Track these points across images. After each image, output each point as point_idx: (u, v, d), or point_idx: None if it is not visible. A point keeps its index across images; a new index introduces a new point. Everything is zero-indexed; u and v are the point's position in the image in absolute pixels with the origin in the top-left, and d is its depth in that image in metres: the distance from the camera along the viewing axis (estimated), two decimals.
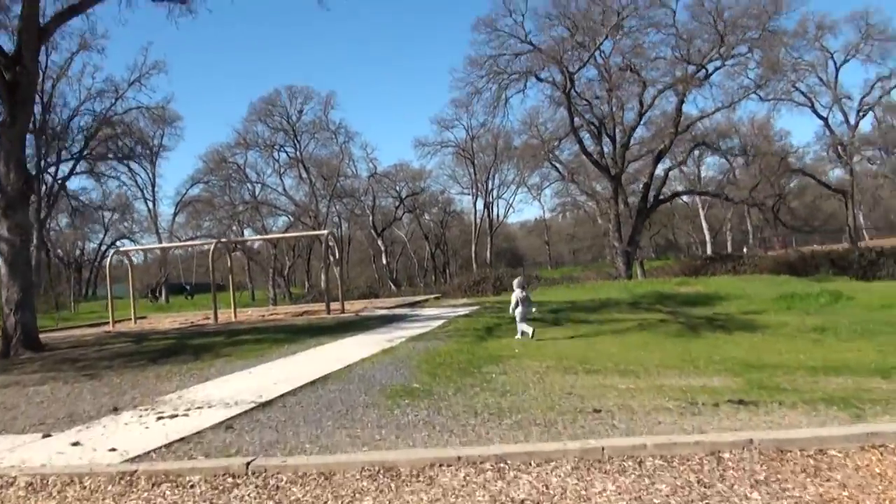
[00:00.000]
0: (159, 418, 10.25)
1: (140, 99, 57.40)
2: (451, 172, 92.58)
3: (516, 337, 18.09)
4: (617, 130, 48.50)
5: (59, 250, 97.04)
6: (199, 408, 10.82)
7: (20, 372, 17.14)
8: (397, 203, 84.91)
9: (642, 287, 36.37)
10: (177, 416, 10.34)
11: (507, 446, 7.66)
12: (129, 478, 7.49)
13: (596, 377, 12.37)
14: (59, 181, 51.74)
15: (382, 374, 13.15)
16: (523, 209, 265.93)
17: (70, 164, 52.21)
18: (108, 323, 34.63)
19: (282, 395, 11.41)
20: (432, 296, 38.62)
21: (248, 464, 7.48)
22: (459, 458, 7.26)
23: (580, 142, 45.71)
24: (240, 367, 15.16)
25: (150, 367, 16.16)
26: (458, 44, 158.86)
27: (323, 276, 76.64)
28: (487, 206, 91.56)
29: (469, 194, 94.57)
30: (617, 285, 38.83)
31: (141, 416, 10.49)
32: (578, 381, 11.99)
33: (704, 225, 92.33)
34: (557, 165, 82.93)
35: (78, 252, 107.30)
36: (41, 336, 27.00)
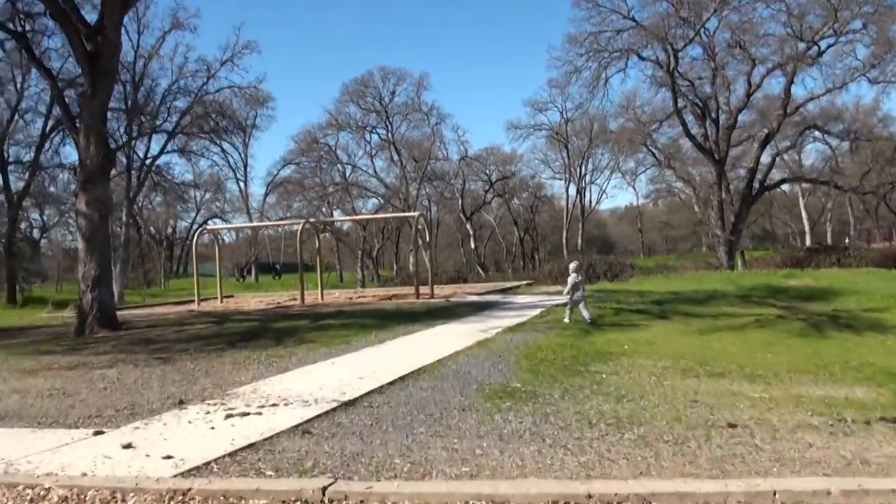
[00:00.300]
0: (228, 416, 8.90)
1: (232, 78, 56.96)
2: (543, 156, 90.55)
3: (564, 319, 18.11)
4: (721, 112, 45.94)
5: (151, 228, 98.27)
6: (273, 405, 9.45)
7: (91, 352, 16.18)
8: (487, 187, 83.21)
9: (748, 279, 34.14)
10: (248, 413, 8.99)
11: (652, 482, 6.01)
12: (179, 498, 6.10)
13: (721, 382, 10.76)
14: (150, 159, 51.29)
15: (479, 371, 11.65)
16: (616, 195, 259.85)
17: (161, 142, 51.73)
18: (194, 301, 33.95)
19: (368, 393, 9.98)
20: (524, 282, 36.97)
21: (324, 489, 5.99)
22: (590, 495, 5.64)
23: (684, 124, 43.25)
24: (323, 355, 13.82)
25: (228, 353, 14.95)
26: (552, 24, 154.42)
27: (411, 259, 75.81)
28: (580, 191, 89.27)
29: (561, 179, 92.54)
30: (720, 276, 36.63)
31: (208, 413, 9.17)
32: (702, 387, 10.39)
33: (804, 214, 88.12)
34: (654, 150, 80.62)
35: (170, 230, 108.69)
36: (125, 313, 26.35)
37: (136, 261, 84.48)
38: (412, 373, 11.41)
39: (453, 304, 24.11)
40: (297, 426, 8.28)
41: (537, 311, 20.56)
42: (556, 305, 21.89)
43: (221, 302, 34.92)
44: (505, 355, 13.14)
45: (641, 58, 44.46)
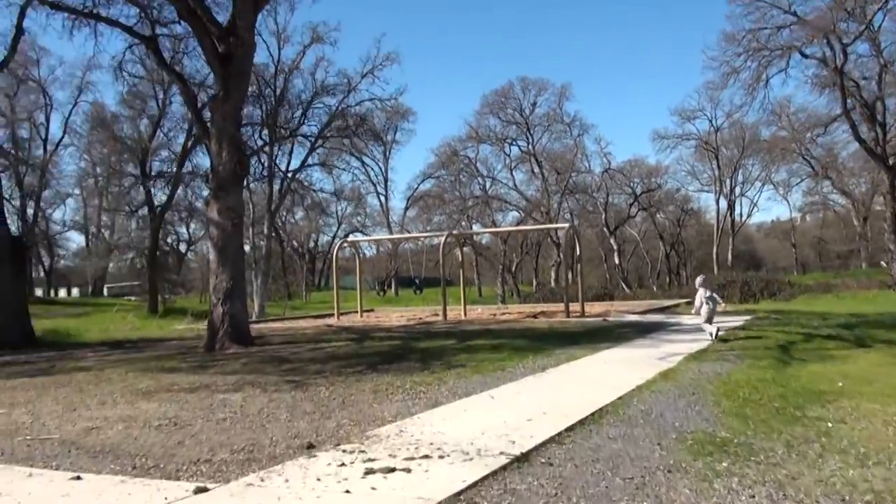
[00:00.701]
0: (368, 472, 6.78)
1: (373, 91, 55.70)
2: (690, 168, 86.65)
3: (712, 339, 16.99)
4: (888, 114, 41.76)
5: (294, 241, 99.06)
6: (425, 455, 7.30)
7: (217, 370, 14.56)
8: (631, 200, 79.97)
9: None
10: (394, 469, 6.85)
11: None
12: None
13: None
14: (291, 172, 50.68)
15: (673, 412, 9.27)
16: (769, 207, 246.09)
17: (302, 155, 51.11)
18: (333, 315, 32.56)
19: (543, 444, 7.69)
20: (683, 301, 34.06)
21: None
22: None
23: (853, 126, 39.25)
24: (477, 385, 11.69)
25: (368, 377, 13.02)
26: (701, 27, 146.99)
27: (553, 275, 73.52)
28: (730, 204, 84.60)
29: (709, 191, 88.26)
30: None
31: (342, 466, 7.07)
32: None
33: None
34: (810, 160, 75.69)
35: (312, 243, 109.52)
36: (262, 326, 25.03)
37: (279, 273, 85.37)
38: (592, 414, 9.10)
39: (612, 325, 21.69)
40: (457, 494, 6.09)
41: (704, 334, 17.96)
42: (735, 328, 19.20)
43: (361, 316, 33.48)
44: (699, 392, 10.70)
45: (804, 55, 40.63)
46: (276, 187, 49.66)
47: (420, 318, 30.53)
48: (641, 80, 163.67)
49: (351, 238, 34.77)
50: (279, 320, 34.14)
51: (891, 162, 39.54)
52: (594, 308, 31.36)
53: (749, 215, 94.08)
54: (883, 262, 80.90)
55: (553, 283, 68.30)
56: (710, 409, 9.49)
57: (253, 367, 14.84)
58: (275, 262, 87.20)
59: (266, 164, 48.94)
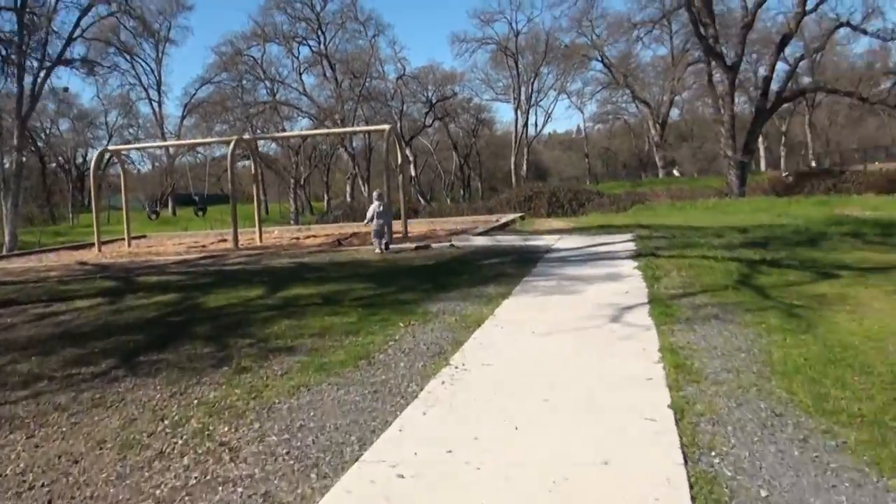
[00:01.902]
0: None
1: None
2: (485, 76, 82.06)
3: (376, 250, 16.98)
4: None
5: (59, 157, 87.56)
6: None
7: None
8: (426, 109, 74.43)
9: (795, 208, 26.91)
10: None
11: None
12: None
13: None
14: (46, 69, 41.29)
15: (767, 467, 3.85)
16: (560, 118, 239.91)
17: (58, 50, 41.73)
18: (94, 244, 25.46)
19: None
20: (515, 214, 29.06)
21: None
22: None
23: (695, 21, 35.11)
24: (332, 410, 5.80)
25: (115, 391, 6.86)
26: None
27: (353, 188, 67.31)
28: (524, 113, 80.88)
29: (504, 100, 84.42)
30: (751, 205, 29.31)
31: None
32: None
33: (808, 133, 79.86)
34: (610, 68, 72.99)
35: (80, 159, 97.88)
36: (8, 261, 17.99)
37: (39, 194, 74.52)
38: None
39: (467, 252, 16.13)
40: None
41: (633, 267, 12.78)
42: (638, 256, 14.16)
43: (129, 246, 26.43)
44: (759, 390, 5.40)
45: None
46: (28, 89, 40.49)
47: (203, 247, 24.03)
48: None
49: (113, 147, 27.11)
50: (28, 254, 26.44)
51: (730, 62, 35.88)
52: (415, 228, 25.89)
53: (544, 126, 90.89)
54: (676, 171, 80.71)
55: (349, 198, 62.33)
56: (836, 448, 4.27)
57: None
58: (35, 180, 76.20)
59: (14, 58, 39.60)
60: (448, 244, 17.78)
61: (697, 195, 42.87)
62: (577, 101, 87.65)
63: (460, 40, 74.37)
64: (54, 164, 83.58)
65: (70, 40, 41.88)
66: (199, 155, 68.56)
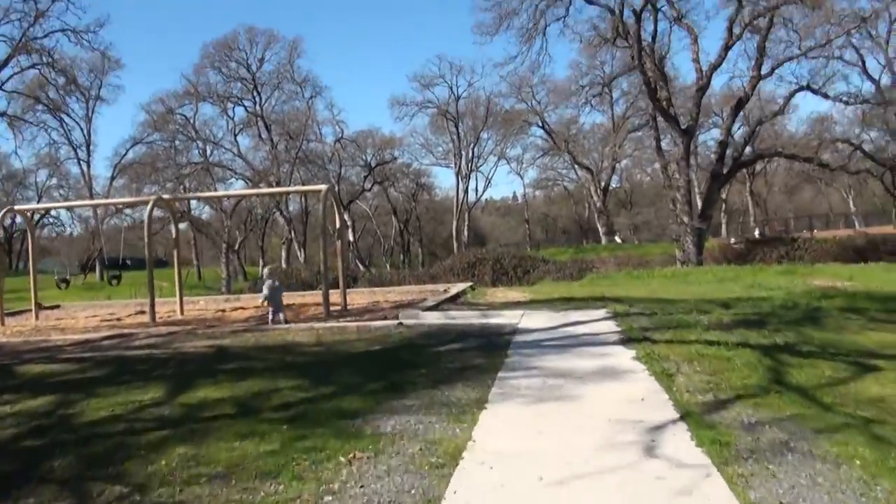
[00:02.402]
0: None
1: (67, 20, 42.47)
2: (424, 140, 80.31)
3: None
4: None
5: None
6: None
7: None
8: (365, 173, 72.13)
9: (766, 278, 24.82)
10: None
11: None
12: None
13: None
14: None
15: None
16: (498, 184, 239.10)
17: None
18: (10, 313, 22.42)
19: None
20: (464, 284, 26.44)
21: None
22: None
23: (648, 83, 33.26)
24: None
25: None
26: None
27: (288, 253, 64.28)
28: (465, 178, 78.98)
29: (444, 165, 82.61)
30: (713, 273, 27.18)
31: None
32: None
33: (749, 200, 79.14)
34: (551, 134, 71.73)
35: (8, 220, 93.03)
36: None
37: None
38: None
39: (419, 335, 13.45)
40: None
41: (630, 353, 10.28)
42: (630, 339, 11.65)
43: (37, 318, 23.26)
44: None
45: (590, 1, 33.87)
46: None
47: (119, 320, 21.01)
48: (378, 42, 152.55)
49: (18, 207, 23.98)
50: None
51: (685, 126, 34.15)
52: (355, 298, 23.19)
53: (484, 191, 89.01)
54: (618, 238, 79.38)
55: (284, 264, 59.30)
56: None
57: None
58: None
59: None
60: (395, 322, 15.09)
61: (646, 263, 41.02)
62: (516, 167, 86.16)
63: (400, 103, 72.88)
64: None
65: None
66: (128, 217, 65.01)
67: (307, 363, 11.01)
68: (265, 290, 17.39)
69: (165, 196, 22.41)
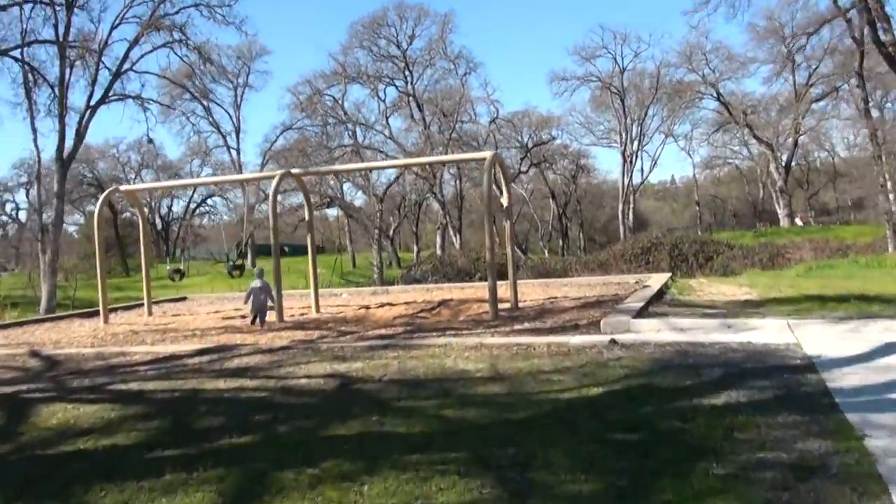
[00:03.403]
0: None
1: None
2: (584, 119, 74.33)
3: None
4: None
5: (145, 208, 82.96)
6: None
7: None
8: (522, 154, 66.88)
9: None
10: None
11: None
12: None
13: None
14: (91, 107, 35.13)
15: None
16: (662, 165, 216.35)
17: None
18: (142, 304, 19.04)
19: None
20: (662, 275, 20.91)
21: None
22: None
23: (871, 23, 26.75)
24: None
25: None
26: None
27: (443, 239, 59.80)
28: (630, 157, 72.42)
29: (604, 145, 76.47)
30: None
31: None
32: None
33: None
34: (727, 105, 64.58)
35: (165, 209, 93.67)
36: None
37: (112, 245, 69.22)
38: None
39: (648, 365, 8.29)
40: None
41: None
42: None
43: (150, 314, 19.64)
44: None
45: None
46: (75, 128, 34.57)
47: (242, 318, 17.01)
48: (534, 13, 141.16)
49: (125, 187, 20.20)
50: (18, 325, 19.64)
51: None
52: (526, 292, 18.26)
53: (650, 172, 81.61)
54: (798, 220, 71.35)
55: (439, 250, 55.04)
56: None
57: None
58: (107, 231, 70.88)
59: (57, 95, 33.78)
60: (602, 338, 9.95)
61: (846, 248, 34.42)
62: (684, 145, 78.88)
63: (560, 78, 67.09)
64: (127, 214, 78.67)
65: (118, 74, 35.77)
66: (280, 205, 62.30)
67: (482, 428, 6.12)
68: (248, 292, 15.53)
69: (294, 170, 18.00)
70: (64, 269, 47.63)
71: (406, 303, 18.47)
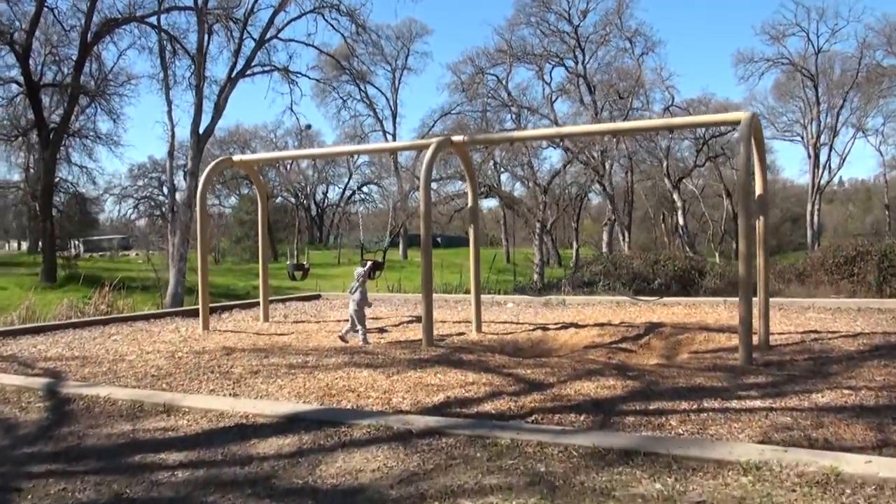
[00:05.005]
0: None
1: None
2: (765, 109, 66.20)
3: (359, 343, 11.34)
4: None
5: (298, 194, 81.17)
6: None
7: None
8: (697, 146, 59.78)
9: None
10: None
11: None
12: None
13: None
14: (232, 78, 31.49)
15: None
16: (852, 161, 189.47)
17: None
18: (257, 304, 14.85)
19: None
20: None
21: None
22: None
23: None
24: None
25: None
26: None
27: (611, 237, 54.03)
28: (816, 151, 63.97)
29: (790, 139, 68.23)
30: None
31: None
32: None
33: None
34: None
35: (320, 196, 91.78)
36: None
37: (267, 230, 67.06)
38: None
39: None
40: None
41: None
42: None
43: (266, 319, 15.14)
44: None
45: None
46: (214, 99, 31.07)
47: (380, 332, 12.17)
48: None
49: (238, 157, 15.75)
50: (102, 323, 15.42)
51: None
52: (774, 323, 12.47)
53: (839, 169, 72.08)
54: None
55: (605, 248, 49.21)
56: None
57: None
58: (253, 216, 68.55)
59: (195, 64, 30.31)
60: None
61: None
62: (874, 140, 69.55)
63: (746, 59, 59.48)
64: (279, 199, 76.56)
65: (261, 42, 32.02)
66: (433, 193, 58.06)
67: None
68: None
69: (456, 137, 12.85)
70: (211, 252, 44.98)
71: (597, 324, 13.06)
